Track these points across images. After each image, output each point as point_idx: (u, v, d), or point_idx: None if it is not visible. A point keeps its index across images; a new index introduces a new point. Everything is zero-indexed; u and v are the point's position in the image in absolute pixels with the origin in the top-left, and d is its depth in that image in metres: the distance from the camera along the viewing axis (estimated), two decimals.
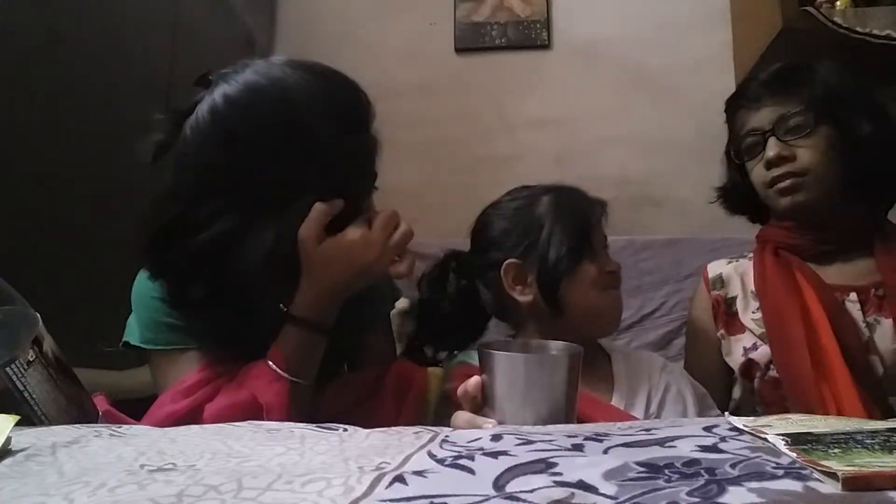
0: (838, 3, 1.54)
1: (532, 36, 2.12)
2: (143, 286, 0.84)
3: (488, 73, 2.13)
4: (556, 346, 0.72)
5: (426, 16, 2.16)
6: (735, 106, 1.06)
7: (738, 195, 1.10)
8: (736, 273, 1.07)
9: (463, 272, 1.04)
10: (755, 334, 1.00)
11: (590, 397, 0.85)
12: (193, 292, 0.74)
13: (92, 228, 0.98)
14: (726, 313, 1.05)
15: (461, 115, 2.11)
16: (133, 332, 0.86)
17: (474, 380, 0.68)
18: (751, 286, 1.04)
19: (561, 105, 2.07)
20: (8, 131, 1.18)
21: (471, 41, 2.14)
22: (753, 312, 1.02)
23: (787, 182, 0.97)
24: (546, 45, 2.12)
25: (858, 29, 1.49)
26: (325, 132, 0.77)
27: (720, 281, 1.08)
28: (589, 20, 2.11)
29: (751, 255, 1.08)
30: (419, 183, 2.06)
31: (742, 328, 1.02)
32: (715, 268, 1.10)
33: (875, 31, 1.49)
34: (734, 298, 1.05)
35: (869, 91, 1.00)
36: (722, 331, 1.05)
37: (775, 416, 0.58)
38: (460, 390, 0.70)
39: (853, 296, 0.95)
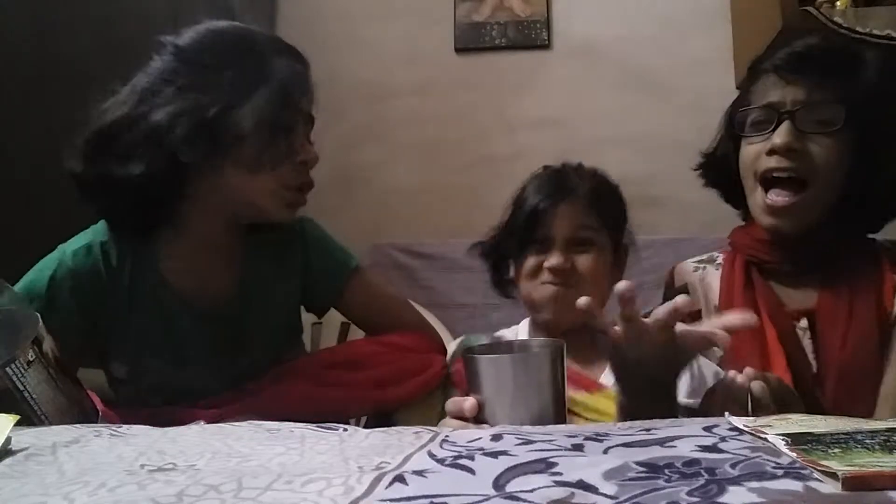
0: (838, 3, 1.55)
1: (532, 36, 2.12)
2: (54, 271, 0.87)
3: (488, 73, 2.13)
4: (537, 343, 0.75)
5: (426, 16, 2.16)
6: (760, 70, 0.93)
7: (721, 166, 1.01)
8: (700, 285, 1.02)
9: None
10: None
11: (572, 370, 0.84)
12: (132, 168, 0.82)
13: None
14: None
15: (461, 115, 2.11)
16: None
17: (470, 403, 0.68)
18: (714, 301, 0.99)
19: (561, 105, 2.07)
20: (8, 132, 1.18)
21: (471, 41, 2.14)
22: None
23: (784, 200, 0.87)
24: (546, 45, 2.12)
25: (858, 29, 1.49)
26: (262, 51, 0.89)
27: (686, 291, 1.01)
28: (589, 20, 2.11)
29: (717, 260, 1.04)
30: (419, 183, 2.06)
31: None
32: (682, 274, 1.06)
33: (875, 31, 1.49)
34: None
35: None
36: None
37: (775, 417, 0.58)
38: (454, 408, 0.70)
39: (804, 322, 0.90)
